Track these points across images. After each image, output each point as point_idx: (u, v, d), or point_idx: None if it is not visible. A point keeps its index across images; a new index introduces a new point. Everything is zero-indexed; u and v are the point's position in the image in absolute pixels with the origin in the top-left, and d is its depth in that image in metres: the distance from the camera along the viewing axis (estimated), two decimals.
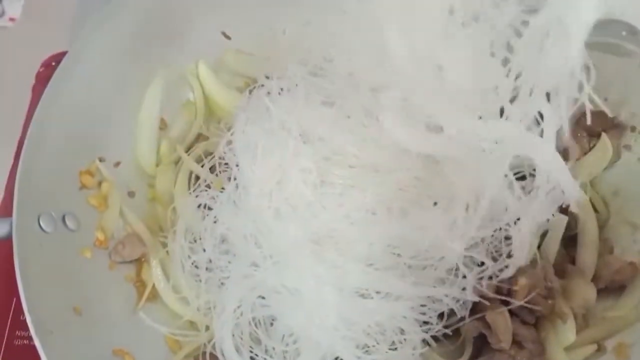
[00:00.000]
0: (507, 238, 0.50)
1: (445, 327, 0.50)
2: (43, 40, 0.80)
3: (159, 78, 0.62)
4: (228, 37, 0.68)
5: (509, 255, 0.50)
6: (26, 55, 0.77)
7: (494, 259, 0.50)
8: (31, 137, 0.52)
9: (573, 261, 0.57)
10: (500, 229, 0.50)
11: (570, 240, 0.57)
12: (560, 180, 0.49)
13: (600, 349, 0.53)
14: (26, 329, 0.55)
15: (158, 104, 0.62)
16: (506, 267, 0.50)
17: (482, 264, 0.49)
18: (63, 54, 0.74)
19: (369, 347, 0.48)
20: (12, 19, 0.84)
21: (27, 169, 0.51)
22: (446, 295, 0.49)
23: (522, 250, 0.50)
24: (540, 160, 0.49)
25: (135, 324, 0.53)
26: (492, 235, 0.50)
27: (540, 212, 0.49)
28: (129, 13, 0.61)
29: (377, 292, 0.49)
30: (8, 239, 0.48)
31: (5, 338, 0.59)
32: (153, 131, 0.61)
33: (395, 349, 0.49)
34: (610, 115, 0.61)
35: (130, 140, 0.61)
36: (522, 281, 0.51)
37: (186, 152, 0.60)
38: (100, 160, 0.58)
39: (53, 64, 0.75)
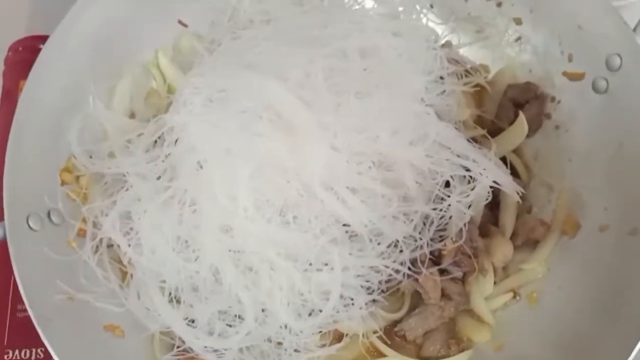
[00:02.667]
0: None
1: (386, 290, 0.59)
2: (8, 25, 0.83)
3: (127, 74, 0.67)
4: (185, 25, 0.73)
5: (443, 229, 0.59)
6: None
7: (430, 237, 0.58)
8: (12, 144, 0.58)
9: (496, 221, 0.66)
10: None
11: (494, 203, 0.65)
12: (501, 182, 0.58)
13: (516, 297, 0.63)
14: None
15: (128, 98, 0.67)
16: (440, 239, 0.59)
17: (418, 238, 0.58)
18: (30, 38, 0.79)
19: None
20: None
21: (12, 175, 0.57)
22: (386, 267, 0.57)
23: (455, 225, 0.59)
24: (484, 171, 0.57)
25: (121, 301, 0.60)
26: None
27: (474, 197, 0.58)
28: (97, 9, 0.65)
29: (326, 264, 0.58)
30: (2, 241, 0.55)
31: (9, 311, 0.66)
32: (123, 123, 0.67)
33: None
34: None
35: (101, 133, 0.67)
36: (450, 245, 0.60)
37: None
38: (75, 156, 0.64)
39: (20, 49, 0.79)
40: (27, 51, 0.78)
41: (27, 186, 0.59)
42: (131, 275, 0.60)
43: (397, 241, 0.57)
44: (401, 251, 0.57)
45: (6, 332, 0.65)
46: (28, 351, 0.64)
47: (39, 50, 0.77)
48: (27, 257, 0.55)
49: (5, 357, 0.64)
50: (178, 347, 0.57)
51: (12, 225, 0.55)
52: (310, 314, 0.58)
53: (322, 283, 0.56)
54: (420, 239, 0.58)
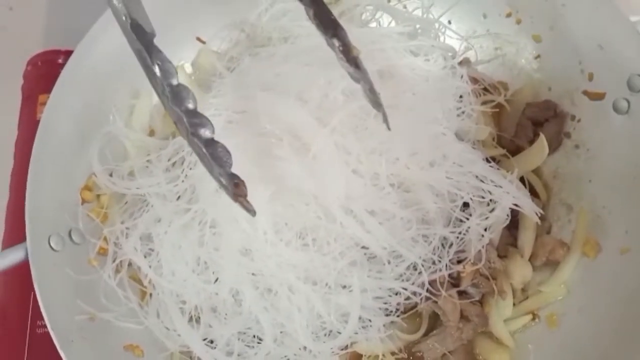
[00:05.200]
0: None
1: (404, 311, 0.59)
2: (25, 39, 0.83)
3: (146, 91, 0.67)
4: (203, 42, 0.73)
5: (461, 250, 0.59)
6: (12, 54, 0.80)
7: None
8: (33, 164, 0.58)
9: (515, 241, 0.66)
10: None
11: (512, 223, 0.64)
12: (521, 204, 0.58)
13: (535, 318, 0.63)
14: None
15: (147, 115, 0.68)
16: (458, 262, 0.59)
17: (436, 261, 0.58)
18: (49, 52, 0.80)
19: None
20: None
21: (33, 195, 0.57)
22: (405, 289, 0.57)
23: (474, 247, 0.59)
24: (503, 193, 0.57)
25: (141, 321, 0.61)
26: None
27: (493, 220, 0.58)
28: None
29: (344, 287, 0.58)
30: (24, 262, 0.55)
31: (29, 328, 0.66)
32: (142, 141, 0.67)
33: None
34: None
35: (121, 150, 0.67)
36: (468, 268, 0.60)
37: None
38: (95, 174, 0.64)
39: (39, 63, 0.79)
40: (46, 65, 0.79)
41: (49, 206, 0.59)
42: (150, 295, 0.60)
43: (416, 263, 0.57)
44: (420, 273, 0.57)
45: (26, 348, 0.65)
46: None
47: (58, 64, 0.79)
48: (49, 278, 0.55)
49: None
50: None
51: (34, 247, 0.55)
52: (328, 335, 0.58)
53: (341, 305, 0.56)
54: (439, 261, 0.58)
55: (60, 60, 0.79)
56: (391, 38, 0.66)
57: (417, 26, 0.71)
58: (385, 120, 0.53)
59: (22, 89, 0.79)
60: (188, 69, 0.73)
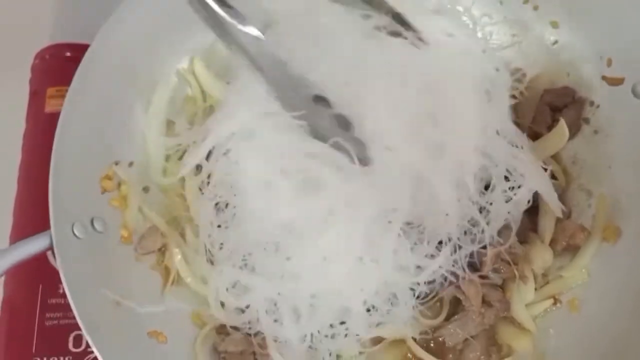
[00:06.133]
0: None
1: (427, 295, 0.60)
2: (32, 33, 0.83)
3: (163, 81, 0.67)
4: None
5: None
6: (20, 47, 0.80)
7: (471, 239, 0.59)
8: (56, 154, 0.58)
9: (535, 226, 0.66)
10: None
11: (532, 208, 0.64)
12: (543, 191, 0.59)
13: (556, 303, 0.63)
14: (54, 311, 0.67)
15: (164, 106, 0.68)
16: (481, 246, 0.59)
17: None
18: (57, 45, 0.80)
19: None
20: None
21: (56, 184, 0.57)
22: (440, 267, 0.57)
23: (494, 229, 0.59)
24: (527, 173, 0.58)
25: (164, 307, 0.61)
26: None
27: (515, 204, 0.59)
28: (141, 14, 0.65)
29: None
30: (49, 250, 0.56)
31: (37, 320, 0.67)
32: (160, 131, 0.68)
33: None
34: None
35: (140, 140, 0.67)
36: (490, 252, 0.60)
37: None
38: (116, 163, 0.65)
39: (47, 56, 0.79)
40: (54, 59, 0.79)
41: (71, 194, 0.59)
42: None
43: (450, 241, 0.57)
44: (454, 251, 0.57)
45: (34, 341, 0.66)
46: (56, 359, 0.65)
47: (66, 57, 0.78)
48: (73, 265, 0.56)
49: None
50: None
51: (58, 234, 0.56)
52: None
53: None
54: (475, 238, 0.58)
55: (68, 54, 0.79)
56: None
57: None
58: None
59: (30, 82, 0.79)
60: (205, 58, 0.72)
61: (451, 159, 0.56)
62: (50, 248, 0.55)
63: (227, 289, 0.59)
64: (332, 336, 0.58)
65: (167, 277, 0.63)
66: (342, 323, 0.58)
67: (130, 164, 0.66)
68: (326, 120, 0.55)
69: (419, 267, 0.57)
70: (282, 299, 0.58)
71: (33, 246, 0.55)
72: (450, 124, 0.57)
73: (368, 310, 0.58)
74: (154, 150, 0.67)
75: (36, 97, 0.78)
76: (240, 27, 0.53)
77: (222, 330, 0.62)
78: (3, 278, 0.68)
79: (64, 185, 0.59)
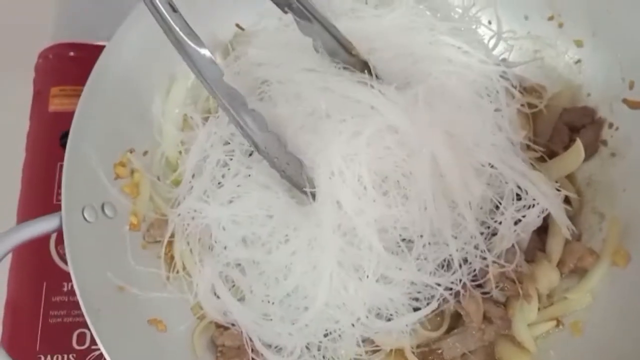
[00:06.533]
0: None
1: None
2: (35, 32, 0.83)
3: (181, 75, 0.68)
4: (242, 29, 0.74)
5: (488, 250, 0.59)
6: (24, 46, 0.81)
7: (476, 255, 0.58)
8: (73, 138, 0.60)
9: (544, 245, 0.65)
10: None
11: (542, 227, 0.63)
12: (553, 212, 0.59)
13: (559, 325, 0.62)
14: (58, 309, 0.68)
15: (181, 100, 0.69)
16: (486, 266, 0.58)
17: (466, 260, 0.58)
18: (60, 45, 0.80)
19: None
20: None
21: (70, 167, 0.59)
22: (439, 285, 0.57)
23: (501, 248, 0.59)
24: (539, 194, 0.58)
25: (166, 296, 0.62)
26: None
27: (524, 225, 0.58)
28: None
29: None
30: (58, 231, 0.57)
31: (41, 317, 0.68)
32: (176, 124, 0.68)
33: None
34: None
35: (155, 130, 0.68)
36: (494, 271, 0.59)
37: None
38: (131, 151, 0.65)
39: (50, 56, 0.80)
40: (57, 58, 0.80)
41: (83, 178, 0.60)
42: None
43: (450, 261, 0.57)
44: (454, 272, 0.57)
45: (38, 338, 0.67)
46: (60, 357, 0.66)
47: (69, 57, 0.79)
48: (81, 247, 0.57)
49: None
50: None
51: (68, 216, 0.57)
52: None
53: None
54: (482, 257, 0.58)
55: (71, 53, 0.80)
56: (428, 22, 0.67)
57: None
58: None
59: (34, 82, 0.80)
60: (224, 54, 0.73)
61: (455, 179, 0.56)
62: (59, 229, 0.56)
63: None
64: (325, 347, 0.58)
65: (172, 267, 0.64)
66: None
67: (145, 153, 0.67)
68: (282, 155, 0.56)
69: (413, 283, 0.57)
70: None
71: (41, 226, 0.56)
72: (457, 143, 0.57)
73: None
74: (168, 142, 0.68)
75: (40, 96, 0.78)
76: (195, 47, 0.51)
77: (221, 324, 0.62)
78: (7, 276, 0.69)
79: (78, 169, 0.60)
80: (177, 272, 0.63)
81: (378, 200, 0.54)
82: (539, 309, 0.62)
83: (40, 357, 0.66)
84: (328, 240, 0.54)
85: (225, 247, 0.60)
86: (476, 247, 0.57)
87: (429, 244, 0.56)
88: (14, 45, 0.82)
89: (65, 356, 0.66)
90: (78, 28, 0.76)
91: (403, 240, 0.57)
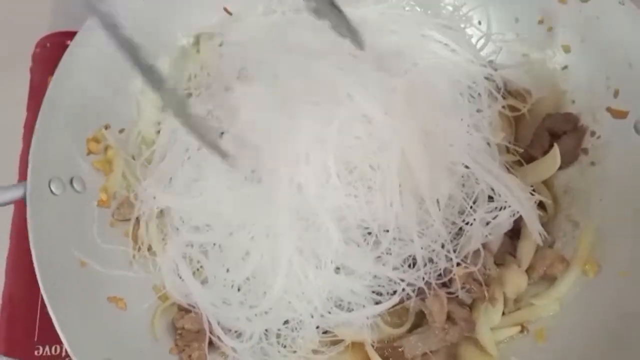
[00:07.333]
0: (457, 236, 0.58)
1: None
2: (32, 22, 0.83)
3: (165, 54, 0.68)
4: (230, 13, 0.73)
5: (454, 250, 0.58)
6: (21, 36, 0.80)
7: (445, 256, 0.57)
8: (44, 110, 0.59)
9: (515, 250, 0.64)
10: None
11: (514, 231, 0.63)
12: (525, 216, 0.58)
13: (523, 330, 0.61)
14: None
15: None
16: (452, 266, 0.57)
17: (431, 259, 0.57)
18: (58, 34, 0.79)
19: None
20: None
21: (40, 138, 0.58)
22: (402, 280, 0.56)
23: (468, 249, 0.58)
24: (511, 197, 0.57)
25: (129, 274, 0.61)
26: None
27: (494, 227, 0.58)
28: None
29: (338, 268, 0.57)
30: (22, 200, 0.56)
31: (39, 308, 0.67)
32: (154, 103, 0.68)
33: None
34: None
35: (134, 109, 0.68)
36: (460, 272, 0.59)
37: None
38: (106, 127, 0.65)
39: (47, 45, 0.80)
40: (55, 47, 0.79)
41: (54, 151, 0.59)
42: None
43: (414, 258, 0.56)
44: (418, 268, 0.56)
45: (36, 329, 0.67)
46: (58, 347, 0.66)
47: (66, 46, 0.76)
48: (43, 219, 0.56)
49: (36, 352, 0.66)
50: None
51: (33, 187, 0.56)
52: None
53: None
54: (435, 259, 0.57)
55: (68, 42, 0.75)
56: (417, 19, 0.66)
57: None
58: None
59: (31, 71, 0.79)
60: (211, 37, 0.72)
61: (423, 176, 0.55)
62: (23, 199, 0.56)
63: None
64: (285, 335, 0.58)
65: (138, 246, 0.63)
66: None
67: (121, 131, 0.66)
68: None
69: (376, 276, 0.56)
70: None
71: (6, 195, 0.55)
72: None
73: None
74: (145, 121, 0.67)
75: (37, 85, 0.78)
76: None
77: (183, 306, 0.61)
78: (4, 267, 0.69)
79: (49, 139, 0.59)
80: (143, 251, 0.63)
81: (340, 189, 0.53)
82: (504, 313, 0.61)
83: (38, 348, 0.66)
84: (285, 224, 0.54)
85: (184, 229, 0.59)
86: (442, 246, 0.56)
87: (395, 239, 0.56)
88: (11, 35, 0.82)
89: (64, 347, 0.65)
90: (75, 17, 0.74)
91: (369, 233, 0.56)
